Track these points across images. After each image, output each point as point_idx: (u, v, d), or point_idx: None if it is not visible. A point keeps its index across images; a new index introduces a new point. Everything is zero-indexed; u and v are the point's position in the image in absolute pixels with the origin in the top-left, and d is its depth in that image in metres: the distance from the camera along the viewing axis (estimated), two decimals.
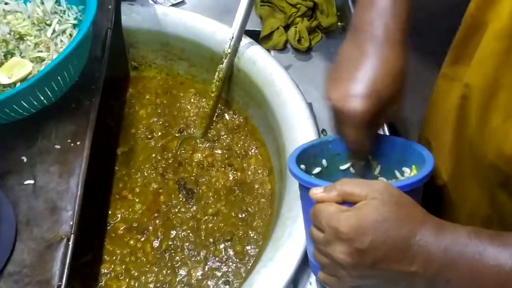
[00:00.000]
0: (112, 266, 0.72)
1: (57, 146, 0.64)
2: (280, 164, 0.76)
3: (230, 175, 0.83)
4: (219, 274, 0.72)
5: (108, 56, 0.75)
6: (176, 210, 0.78)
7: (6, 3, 0.76)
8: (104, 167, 0.82)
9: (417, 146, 0.54)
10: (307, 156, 0.56)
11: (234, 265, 0.73)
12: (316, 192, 0.47)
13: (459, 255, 0.41)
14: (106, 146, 0.84)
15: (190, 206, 0.79)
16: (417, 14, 0.54)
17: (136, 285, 0.71)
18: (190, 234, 0.76)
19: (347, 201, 0.45)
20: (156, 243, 0.75)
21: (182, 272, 0.72)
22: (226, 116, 0.90)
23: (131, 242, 0.75)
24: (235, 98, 0.90)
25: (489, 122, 0.46)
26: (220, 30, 0.86)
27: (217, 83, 0.84)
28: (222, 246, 0.74)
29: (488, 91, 0.46)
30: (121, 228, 0.76)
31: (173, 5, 0.96)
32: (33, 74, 0.68)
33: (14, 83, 0.67)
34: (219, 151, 0.86)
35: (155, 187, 0.81)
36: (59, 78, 0.62)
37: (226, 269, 0.72)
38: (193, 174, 0.83)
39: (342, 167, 0.58)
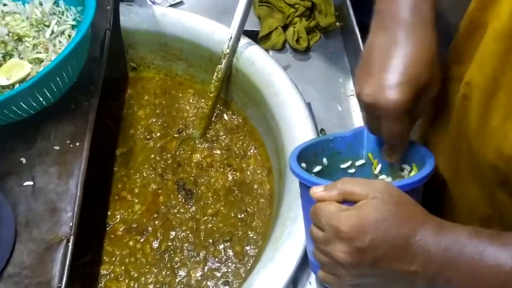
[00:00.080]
0: (112, 267, 0.72)
1: (56, 147, 0.64)
2: (279, 164, 0.76)
3: (229, 176, 0.83)
4: (218, 274, 0.72)
5: (107, 57, 0.75)
6: (175, 210, 0.78)
7: (4, 4, 0.76)
8: (103, 168, 0.82)
9: (418, 146, 0.54)
10: (307, 155, 0.56)
11: (234, 265, 0.73)
12: (317, 191, 0.47)
13: (459, 255, 0.41)
14: (105, 147, 0.84)
15: (189, 206, 0.79)
16: None
17: (136, 286, 0.71)
18: (190, 235, 0.76)
19: (347, 200, 0.45)
20: (155, 244, 0.75)
21: (182, 273, 0.72)
22: (225, 117, 0.90)
23: (131, 243, 0.75)
24: (234, 99, 0.90)
25: (489, 121, 0.46)
26: (218, 30, 0.86)
27: (216, 83, 0.84)
28: (221, 246, 0.74)
29: (488, 91, 0.46)
30: (121, 229, 0.76)
31: (171, 5, 0.96)
32: (32, 75, 0.68)
33: (13, 85, 0.67)
34: (218, 152, 0.86)
35: (154, 187, 0.81)
36: (58, 79, 0.62)
37: (226, 270, 0.72)
38: (192, 175, 0.83)
39: (343, 166, 0.58)
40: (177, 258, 0.73)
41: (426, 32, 0.48)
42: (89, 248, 0.73)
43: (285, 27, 0.92)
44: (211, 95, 0.85)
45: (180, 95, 0.94)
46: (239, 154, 0.85)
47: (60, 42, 0.72)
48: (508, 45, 0.44)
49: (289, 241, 0.61)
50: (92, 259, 0.72)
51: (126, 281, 0.71)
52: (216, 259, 0.73)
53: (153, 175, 0.82)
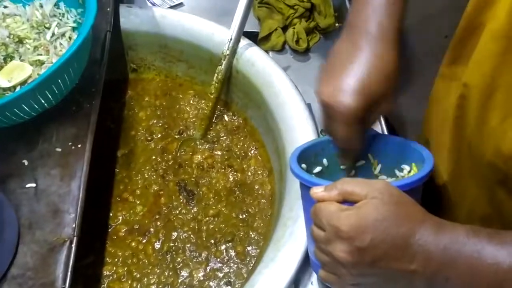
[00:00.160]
0: (114, 268, 0.72)
1: (58, 149, 0.64)
2: (280, 165, 0.77)
3: (230, 176, 0.83)
4: (220, 275, 0.72)
5: (107, 58, 0.75)
6: (177, 211, 0.79)
7: (5, 7, 0.76)
8: (104, 170, 0.82)
9: (417, 146, 0.55)
10: (308, 155, 0.57)
11: (236, 265, 0.73)
12: (317, 191, 0.47)
13: (458, 254, 0.41)
14: (106, 149, 0.84)
15: (191, 207, 0.79)
16: (416, 14, 0.54)
17: (139, 286, 0.71)
18: (191, 236, 0.76)
19: (347, 200, 0.45)
20: (157, 245, 0.75)
21: (184, 273, 0.72)
22: (226, 118, 0.91)
23: (133, 244, 0.75)
24: (234, 100, 0.90)
25: (488, 121, 0.47)
26: (218, 32, 0.86)
27: (216, 84, 0.84)
28: (223, 247, 0.75)
29: (486, 91, 0.46)
30: (123, 230, 0.76)
31: (171, 7, 0.97)
32: (33, 77, 0.69)
33: (14, 87, 0.68)
34: (219, 152, 0.86)
35: (155, 189, 0.81)
36: (59, 81, 0.62)
37: (228, 270, 0.73)
38: (193, 176, 0.83)
39: (343, 167, 0.58)
40: (179, 259, 0.74)
41: (387, 48, 0.50)
42: (91, 249, 0.74)
43: (284, 28, 0.92)
44: (212, 96, 0.85)
45: (181, 96, 0.94)
46: (240, 155, 0.85)
47: (61, 44, 0.73)
48: (505, 45, 0.44)
49: (291, 241, 0.61)
50: (94, 260, 0.73)
51: (129, 281, 0.71)
52: (218, 260, 0.74)
53: (154, 176, 0.83)
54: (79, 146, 0.65)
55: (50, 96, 0.63)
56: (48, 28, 0.74)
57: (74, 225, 0.58)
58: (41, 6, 0.75)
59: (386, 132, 0.78)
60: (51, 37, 0.73)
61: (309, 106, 0.78)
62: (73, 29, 0.74)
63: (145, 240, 0.76)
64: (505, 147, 0.45)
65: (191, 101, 0.93)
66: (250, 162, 0.84)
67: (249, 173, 0.83)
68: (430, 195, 0.54)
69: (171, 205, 0.79)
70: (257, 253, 0.74)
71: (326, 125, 0.54)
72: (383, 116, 0.80)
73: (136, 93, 0.95)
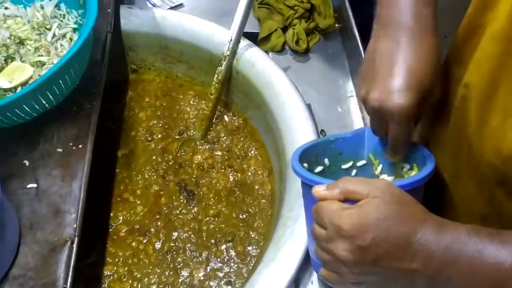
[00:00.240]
0: (115, 268, 0.72)
1: (59, 150, 0.64)
2: (280, 165, 0.77)
3: (230, 176, 0.83)
4: (221, 274, 0.72)
5: (108, 59, 0.76)
6: (177, 211, 0.79)
7: (6, 8, 0.76)
8: (105, 170, 0.82)
9: (418, 146, 0.55)
10: (309, 155, 0.57)
11: (236, 265, 0.73)
12: (319, 190, 0.47)
13: (459, 253, 0.42)
14: (106, 149, 0.84)
15: (191, 207, 0.79)
16: None
17: (139, 286, 0.71)
18: (192, 236, 0.76)
19: (349, 199, 0.45)
20: (158, 245, 0.75)
21: (185, 273, 0.73)
22: (226, 118, 0.91)
23: (133, 244, 0.75)
24: (234, 100, 0.90)
25: (488, 122, 0.47)
26: (218, 33, 0.86)
27: (216, 85, 0.85)
28: (223, 247, 0.75)
29: (486, 92, 0.47)
30: (123, 230, 0.77)
31: (171, 8, 0.97)
32: (34, 78, 0.69)
33: (15, 88, 0.68)
34: (219, 153, 0.86)
35: (156, 189, 0.81)
36: (60, 82, 0.63)
37: (228, 270, 0.73)
38: (194, 176, 0.83)
39: (344, 166, 0.59)
40: (179, 259, 0.74)
41: (428, 37, 0.49)
42: (92, 249, 0.74)
43: (284, 29, 0.92)
44: (212, 96, 0.86)
45: (181, 97, 0.94)
46: (240, 155, 0.86)
47: (61, 45, 0.73)
48: (506, 47, 0.44)
49: (291, 241, 0.62)
50: (95, 260, 0.73)
51: (130, 281, 0.71)
52: (219, 259, 0.74)
53: (154, 176, 0.83)
54: (80, 146, 0.65)
55: (51, 97, 0.63)
56: (49, 29, 0.74)
57: (75, 225, 0.58)
58: (42, 7, 0.75)
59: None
60: (52, 38, 0.73)
61: (309, 107, 0.79)
62: (74, 30, 0.74)
63: (145, 240, 0.76)
64: (504, 148, 0.45)
65: (191, 102, 0.93)
66: (250, 162, 0.85)
67: (249, 173, 0.83)
68: (431, 195, 0.54)
69: (171, 205, 0.80)
70: (257, 253, 0.74)
71: (378, 127, 0.53)
72: None
73: (136, 93, 0.95)
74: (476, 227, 0.43)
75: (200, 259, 0.74)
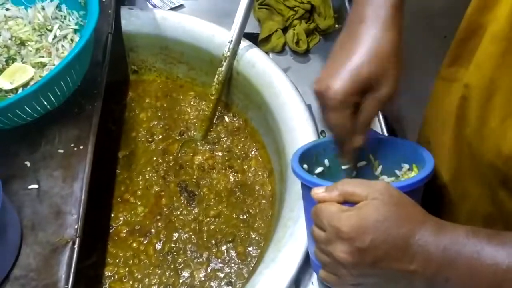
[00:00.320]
0: (116, 269, 0.73)
1: (60, 151, 0.65)
2: (280, 166, 0.77)
3: (230, 177, 0.83)
4: (221, 275, 0.73)
5: (109, 60, 0.76)
6: (178, 212, 0.79)
7: (7, 9, 0.77)
8: (105, 171, 0.82)
9: (418, 148, 0.55)
10: (309, 156, 0.57)
11: (237, 266, 0.73)
12: (318, 191, 0.47)
13: (458, 254, 0.42)
14: (107, 150, 0.84)
15: (192, 208, 0.80)
16: (417, 14, 0.54)
17: (140, 287, 0.71)
18: (192, 236, 0.76)
19: (348, 201, 0.46)
20: (158, 246, 0.75)
21: (185, 273, 0.73)
22: (226, 119, 0.91)
23: (134, 244, 0.75)
24: (234, 101, 0.91)
25: (488, 122, 0.47)
26: (219, 33, 0.87)
27: (217, 86, 0.85)
28: (224, 247, 0.75)
29: (486, 92, 0.47)
30: (124, 231, 0.77)
31: (172, 9, 0.97)
32: (35, 79, 0.69)
33: (16, 89, 0.68)
34: (220, 153, 0.87)
35: (156, 189, 0.82)
36: (62, 83, 0.63)
37: (229, 270, 0.73)
38: (194, 177, 0.83)
39: (344, 167, 0.59)
40: (180, 259, 0.74)
41: (383, 28, 0.49)
42: (93, 250, 0.74)
43: (284, 30, 0.92)
44: (212, 97, 0.86)
45: (181, 97, 0.95)
46: (241, 155, 0.86)
47: (62, 46, 0.73)
48: (505, 47, 0.44)
49: (291, 242, 0.62)
50: (96, 261, 0.73)
51: (130, 282, 0.71)
52: (219, 260, 0.74)
53: (155, 177, 0.83)
54: (81, 147, 0.65)
55: (52, 98, 0.63)
56: (50, 31, 0.74)
57: (76, 226, 0.58)
58: (43, 8, 0.75)
59: (385, 133, 0.78)
60: (53, 39, 0.73)
61: (309, 107, 0.79)
62: (75, 31, 0.74)
63: (146, 241, 0.76)
64: (505, 148, 0.46)
65: (192, 103, 0.94)
66: (250, 163, 0.85)
67: (249, 174, 0.84)
68: (431, 196, 0.54)
69: (172, 206, 0.80)
70: (258, 254, 0.74)
71: (322, 115, 0.53)
72: (383, 116, 0.80)
73: (137, 94, 0.95)
74: (475, 228, 0.43)
75: (201, 259, 0.74)
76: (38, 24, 0.74)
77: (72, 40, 0.74)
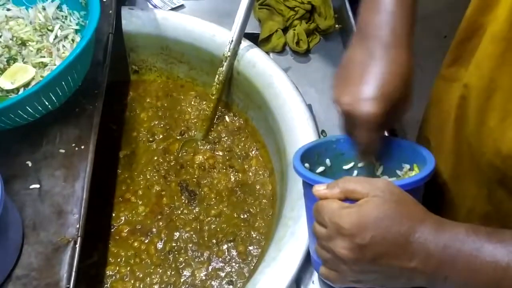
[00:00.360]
0: (117, 268, 0.73)
1: (62, 151, 0.65)
2: (281, 165, 0.77)
3: (231, 177, 0.84)
4: (222, 274, 0.73)
5: (110, 60, 0.76)
6: (179, 211, 0.79)
7: (8, 9, 0.77)
8: (107, 170, 0.83)
9: (418, 147, 0.55)
10: (311, 155, 0.57)
11: (237, 265, 0.74)
12: (319, 189, 0.48)
13: (457, 252, 0.42)
14: (108, 150, 0.85)
15: (193, 207, 0.80)
16: (416, 14, 0.54)
17: (141, 286, 0.71)
18: (193, 235, 0.77)
19: (349, 198, 0.46)
20: (160, 245, 0.76)
21: (186, 273, 0.73)
22: (227, 118, 0.91)
23: (135, 244, 0.75)
24: (235, 101, 0.91)
25: (487, 122, 0.47)
26: (219, 34, 0.87)
27: (217, 85, 0.85)
28: (225, 246, 0.75)
29: (485, 92, 0.47)
30: (125, 230, 0.77)
31: (172, 9, 0.97)
32: (36, 79, 0.69)
33: (17, 89, 0.68)
34: (220, 153, 0.87)
35: (157, 189, 0.82)
36: (63, 83, 0.63)
37: (230, 270, 0.73)
38: (195, 176, 0.84)
39: (346, 167, 0.59)
40: (181, 259, 0.74)
41: (402, 51, 0.52)
42: (94, 249, 0.74)
43: (285, 30, 0.93)
44: (213, 97, 0.86)
45: (182, 97, 0.95)
46: (241, 155, 0.86)
47: (63, 46, 0.73)
48: (505, 47, 0.45)
49: (292, 241, 0.62)
50: (97, 260, 0.73)
51: (132, 281, 0.72)
52: (220, 259, 0.74)
53: (156, 177, 0.83)
54: (82, 147, 0.65)
55: (53, 98, 0.63)
56: (51, 31, 0.74)
57: (78, 226, 0.58)
58: (44, 8, 0.76)
59: (386, 133, 0.78)
60: (54, 39, 0.73)
61: (309, 107, 0.79)
62: (76, 31, 0.75)
63: (147, 240, 0.76)
64: (503, 147, 0.46)
65: (193, 102, 0.94)
66: (251, 162, 0.85)
67: (250, 174, 0.84)
68: (431, 194, 0.55)
69: (173, 205, 0.80)
70: (259, 253, 0.74)
71: (348, 130, 0.56)
72: None
73: (137, 94, 0.95)
74: (474, 226, 0.44)
75: (202, 259, 0.74)
76: (39, 24, 0.75)
77: (73, 40, 0.74)
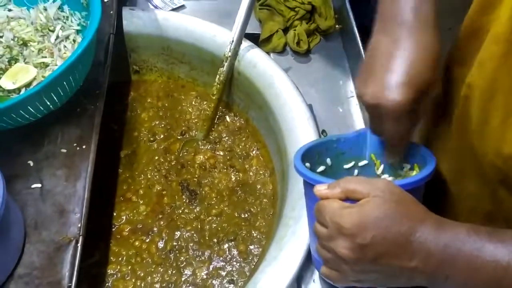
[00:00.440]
0: (118, 267, 0.73)
1: (63, 150, 0.65)
2: (281, 165, 0.77)
3: (232, 176, 0.84)
4: (223, 273, 0.73)
5: (111, 61, 0.76)
6: (180, 211, 0.80)
7: (9, 10, 0.77)
8: (108, 170, 0.83)
9: (419, 147, 0.56)
10: (312, 155, 0.57)
11: (238, 264, 0.74)
12: (320, 188, 0.48)
13: (458, 252, 0.42)
14: (109, 149, 0.85)
15: (194, 207, 0.80)
16: None
17: (143, 285, 0.72)
18: (194, 235, 0.77)
19: (350, 198, 0.46)
20: (161, 244, 0.76)
21: (187, 272, 0.73)
22: (227, 118, 0.91)
23: (136, 243, 0.76)
24: (236, 101, 0.91)
25: (489, 122, 0.47)
26: (220, 34, 0.87)
27: (218, 86, 0.85)
28: (226, 246, 0.76)
29: (487, 92, 0.47)
30: (126, 230, 0.77)
31: (173, 9, 0.97)
32: (38, 79, 0.70)
33: (19, 89, 0.69)
34: (221, 153, 0.87)
35: (158, 189, 0.82)
36: (65, 83, 0.63)
37: (231, 269, 0.74)
38: (196, 176, 0.84)
39: (346, 166, 0.59)
40: (182, 258, 0.74)
41: (428, 33, 0.49)
42: (95, 248, 0.74)
43: (285, 30, 0.93)
44: (214, 97, 0.86)
45: (183, 97, 0.95)
46: (242, 155, 0.86)
47: (65, 46, 0.74)
48: (507, 48, 0.45)
49: (293, 240, 0.62)
50: (98, 259, 0.74)
51: (133, 280, 0.72)
52: (221, 258, 0.74)
53: (157, 176, 0.84)
54: (84, 147, 0.65)
55: (55, 98, 0.64)
56: (52, 31, 0.75)
57: (79, 225, 0.58)
58: (45, 9, 0.76)
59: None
60: (55, 39, 0.74)
61: (310, 107, 0.79)
62: (77, 32, 0.75)
63: (148, 239, 0.76)
64: (505, 148, 0.46)
65: (193, 102, 0.94)
66: (252, 162, 0.85)
67: (251, 173, 0.84)
68: (432, 194, 0.55)
69: (174, 204, 0.80)
70: (260, 252, 0.75)
71: (375, 125, 0.53)
72: None
73: (138, 94, 0.96)
74: (475, 226, 0.44)
75: (203, 258, 0.75)
76: (40, 24, 0.75)
77: (74, 40, 0.74)
